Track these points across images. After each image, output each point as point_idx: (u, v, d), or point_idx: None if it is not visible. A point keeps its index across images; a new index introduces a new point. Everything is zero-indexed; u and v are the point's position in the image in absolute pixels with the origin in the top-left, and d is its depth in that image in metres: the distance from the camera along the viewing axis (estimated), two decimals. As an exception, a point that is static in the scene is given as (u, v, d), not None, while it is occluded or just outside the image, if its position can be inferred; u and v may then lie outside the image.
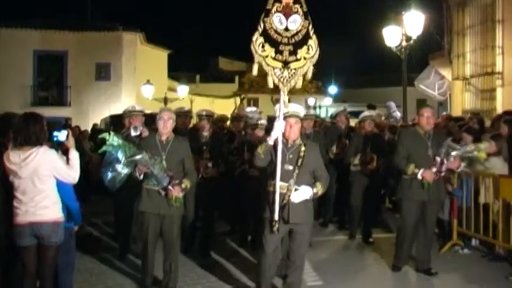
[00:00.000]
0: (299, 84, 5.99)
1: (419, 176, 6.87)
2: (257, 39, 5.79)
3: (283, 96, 5.92)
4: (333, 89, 47.44)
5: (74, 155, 5.21)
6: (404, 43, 14.55)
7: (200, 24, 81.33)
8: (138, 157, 5.96)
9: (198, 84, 43.15)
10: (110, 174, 6.58)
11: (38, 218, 4.98)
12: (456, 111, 15.88)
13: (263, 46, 5.80)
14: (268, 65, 5.84)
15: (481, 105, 15.00)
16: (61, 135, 5.27)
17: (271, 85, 5.88)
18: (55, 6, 61.24)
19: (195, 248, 8.19)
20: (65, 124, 17.70)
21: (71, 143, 5.28)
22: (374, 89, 44.75)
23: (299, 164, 5.86)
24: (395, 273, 7.28)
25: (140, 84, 29.31)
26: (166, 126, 6.34)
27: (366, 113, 9.60)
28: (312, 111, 9.89)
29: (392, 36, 14.78)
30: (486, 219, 7.89)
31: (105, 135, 5.96)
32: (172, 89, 33.24)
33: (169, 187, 6.09)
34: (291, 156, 5.90)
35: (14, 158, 4.94)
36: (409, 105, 15.61)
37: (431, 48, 19.44)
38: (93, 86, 29.83)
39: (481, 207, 8.00)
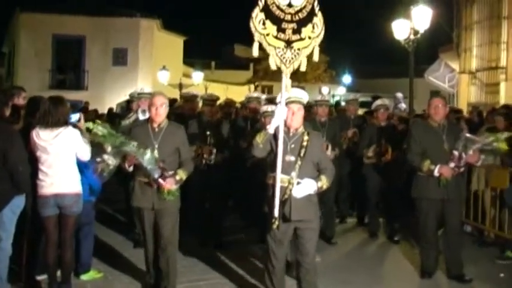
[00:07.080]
0: (303, 67, 5.42)
1: (436, 173, 6.30)
2: (257, 15, 5.18)
3: (285, 79, 5.32)
4: (346, 79, 47.17)
5: (85, 136, 5.81)
6: (412, 36, 14.89)
7: (216, 11, 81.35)
8: (125, 148, 5.49)
9: (213, 71, 43.25)
10: (98, 166, 5.87)
11: (62, 190, 5.58)
12: (462, 104, 16.20)
13: (264, 23, 5.20)
14: (269, 44, 5.25)
15: (486, 98, 15.39)
16: (74, 117, 5.91)
17: (273, 66, 5.35)
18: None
19: (202, 241, 7.75)
20: (82, 107, 18.29)
21: (82, 124, 5.90)
22: (387, 79, 44.67)
23: (302, 154, 5.28)
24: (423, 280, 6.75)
25: (156, 70, 29.79)
26: (158, 113, 5.69)
27: (379, 101, 8.91)
28: (326, 97, 9.39)
29: (401, 29, 15.11)
30: (476, 206, 8.26)
31: (89, 124, 5.58)
32: (187, 75, 33.63)
33: (160, 180, 5.53)
34: (292, 146, 5.33)
35: (45, 135, 5.52)
36: (422, 96, 15.93)
37: (441, 41, 19.76)
38: (110, 71, 30.44)
39: (471, 194, 8.34)
